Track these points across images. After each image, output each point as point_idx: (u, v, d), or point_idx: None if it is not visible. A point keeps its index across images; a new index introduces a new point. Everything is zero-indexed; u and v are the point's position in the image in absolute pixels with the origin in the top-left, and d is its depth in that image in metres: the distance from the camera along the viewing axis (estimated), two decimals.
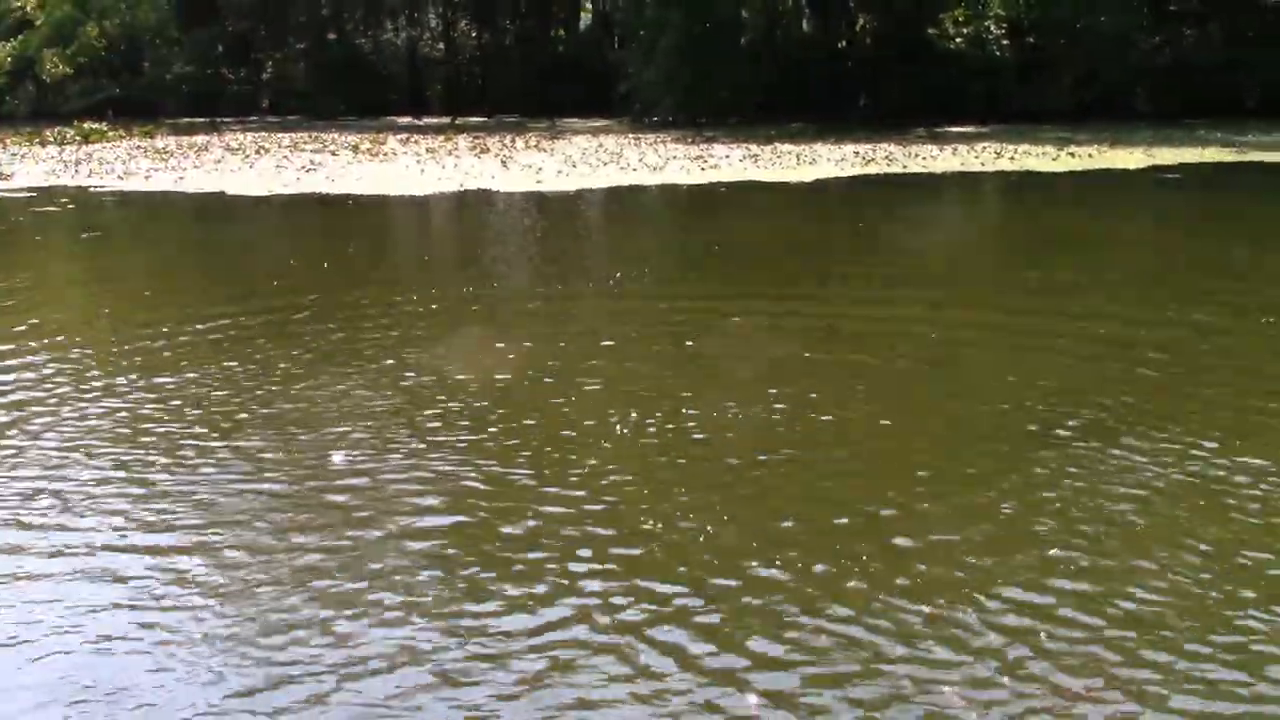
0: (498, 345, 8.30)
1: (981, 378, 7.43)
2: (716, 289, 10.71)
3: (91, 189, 20.92)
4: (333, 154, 27.85)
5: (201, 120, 45.76)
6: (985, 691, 3.66)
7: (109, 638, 4.08)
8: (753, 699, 3.65)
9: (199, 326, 8.96)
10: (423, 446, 6.05)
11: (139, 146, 31.45)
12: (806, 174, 21.59)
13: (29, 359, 8.02)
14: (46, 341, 8.58)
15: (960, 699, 3.63)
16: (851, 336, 8.60)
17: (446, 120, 46.60)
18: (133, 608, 4.29)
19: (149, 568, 4.64)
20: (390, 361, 7.78)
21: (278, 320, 9.36)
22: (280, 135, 35.84)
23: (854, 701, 3.61)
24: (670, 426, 6.30)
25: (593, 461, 5.75)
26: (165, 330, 8.89)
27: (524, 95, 49.23)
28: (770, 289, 10.65)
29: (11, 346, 8.39)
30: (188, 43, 49.83)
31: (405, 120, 47.39)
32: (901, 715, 3.55)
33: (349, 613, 4.23)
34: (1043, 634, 3.99)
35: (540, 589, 4.40)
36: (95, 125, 35.46)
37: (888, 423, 6.41)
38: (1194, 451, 5.72)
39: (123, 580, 4.52)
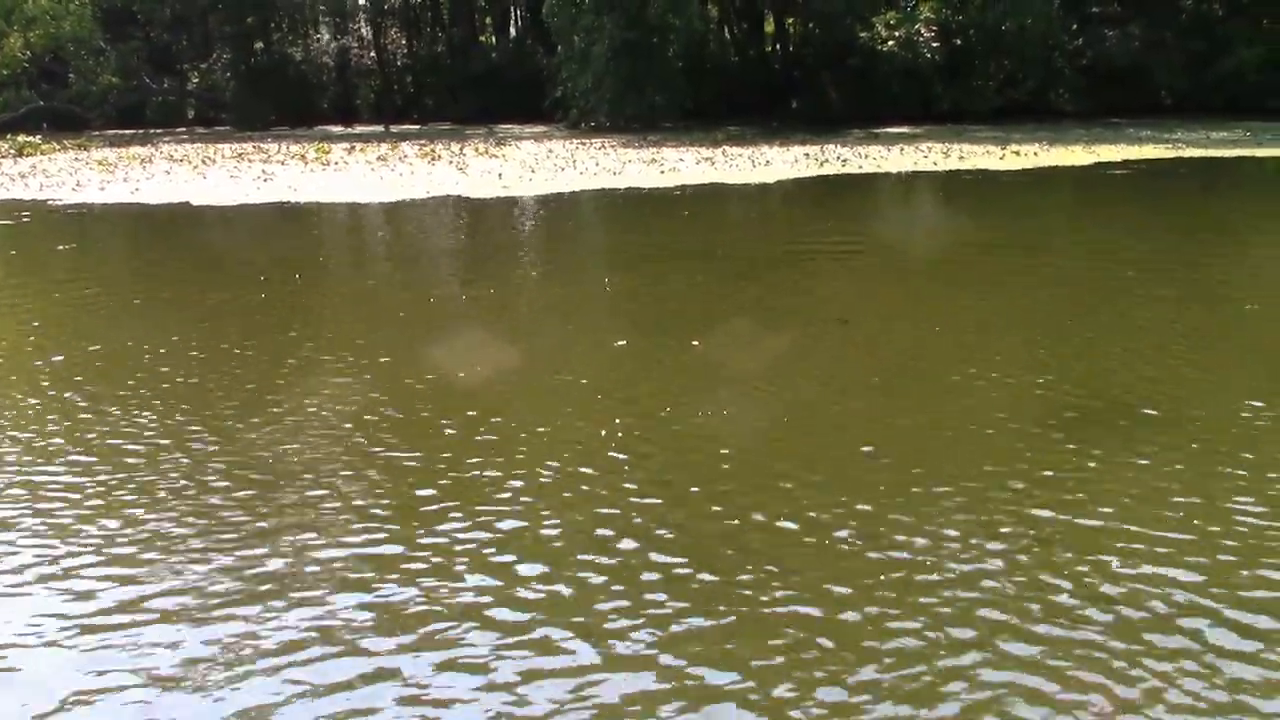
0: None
1: (1004, 366, 7.43)
2: (719, 288, 10.83)
3: (48, 202, 20.50)
4: (280, 164, 27.63)
5: (130, 132, 44.89)
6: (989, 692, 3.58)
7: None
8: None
9: (215, 329, 9.02)
10: (431, 441, 6.09)
11: (78, 159, 30.80)
12: (766, 175, 22.01)
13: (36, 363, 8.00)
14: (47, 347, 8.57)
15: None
16: (861, 331, 8.65)
17: (380, 129, 46.33)
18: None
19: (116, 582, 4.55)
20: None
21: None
22: (220, 145, 35.34)
23: (862, 707, 3.53)
24: (672, 418, 6.30)
25: (592, 459, 5.70)
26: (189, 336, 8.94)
27: (456, 102, 49.25)
28: (771, 286, 10.85)
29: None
30: (113, 54, 48.90)
31: (338, 129, 46.99)
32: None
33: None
34: (1063, 636, 3.88)
35: (535, 583, 4.37)
36: (27, 138, 34.67)
37: (896, 420, 6.29)
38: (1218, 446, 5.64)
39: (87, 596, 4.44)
